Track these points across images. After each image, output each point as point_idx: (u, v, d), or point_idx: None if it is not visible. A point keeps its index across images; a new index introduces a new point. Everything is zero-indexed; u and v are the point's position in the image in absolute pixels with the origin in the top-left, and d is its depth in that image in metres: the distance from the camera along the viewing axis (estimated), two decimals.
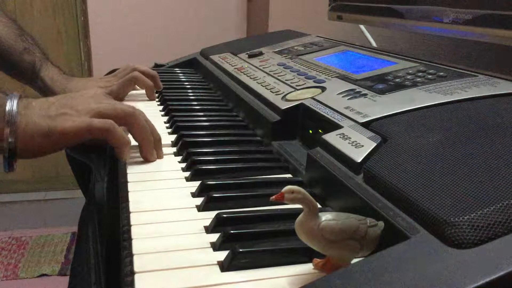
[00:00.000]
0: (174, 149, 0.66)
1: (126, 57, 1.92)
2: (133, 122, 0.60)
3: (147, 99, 0.94)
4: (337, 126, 0.54)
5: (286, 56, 0.94)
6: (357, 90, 0.63)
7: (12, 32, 0.88)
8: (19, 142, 0.55)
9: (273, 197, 0.35)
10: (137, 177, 0.56)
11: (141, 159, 0.62)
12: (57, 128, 0.56)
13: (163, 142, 0.64)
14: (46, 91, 0.90)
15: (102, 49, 2.05)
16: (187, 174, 0.56)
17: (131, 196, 0.50)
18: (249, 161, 0.60)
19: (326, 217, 0.35)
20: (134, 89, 0.96)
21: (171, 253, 0.39)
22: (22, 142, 0.55)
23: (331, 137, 0.51)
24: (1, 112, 0.54)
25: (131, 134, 0.61)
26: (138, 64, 0.96)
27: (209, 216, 0.45)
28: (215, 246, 0.40)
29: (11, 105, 0.55)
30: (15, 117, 0.55)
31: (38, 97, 0.63)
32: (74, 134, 0.56)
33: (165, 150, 0.66)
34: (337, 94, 0.64)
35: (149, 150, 0.61)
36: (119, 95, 0.89)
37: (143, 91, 0.95)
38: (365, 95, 0.60)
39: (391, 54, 0.78)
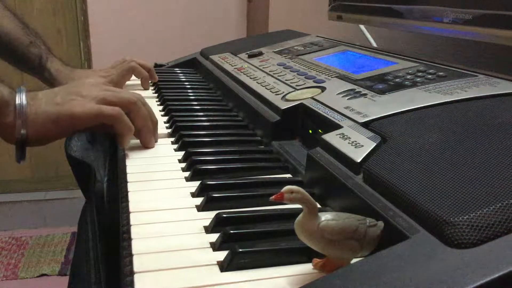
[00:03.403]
0: (174, 149, 0.66)
1: None
2: (135, 109, 0.63)
3: (142, 90, 1.01)
4: (337, 126, 0.54)
5: (286, 56, 0.94)
6: (357, 90, 0.63)
7: (17, 26, 0.90)
8: (30, 132, 0.58)
9: (273, 197, 0.35)
10: (137, 177, 0.56)
11: (141, 159, 0.62)
12: (66, 112, 0.58)
13: (162, 143, 0.66)
14: (52, 82, 0.93)
15: (102, 49, 2.04)
16: (187, 174, 0.56)
17: (131, 196, 0.50)
18: (249, 161, 0.60)
19: (325, 217, 0.35)
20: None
21: (170, 253, 0.39)
22: (33, 131, 0.58)
23: (331, 137, 0.51)
24: (12, 106, 0.57)
25: (132, 121, 0.63)
26: (135, 57, 1.02)
27: (209, 216, 0.45)
28: (215, 246, 0.40)
29: (20, 98, 0.58)
30: (25, 108, 0.57)
31: (41, 89, 0.66)
32: (83, 118, 0.59)
33: (165, 149, 0.66)
34: (337, 94, 0.64)
35: (149, 137, 0.65)
36: (118, 83, 0.95)
37: (138, 82, 1.02)
38: (365, 95, 0.60)
39: (391, 54, 0.78)
